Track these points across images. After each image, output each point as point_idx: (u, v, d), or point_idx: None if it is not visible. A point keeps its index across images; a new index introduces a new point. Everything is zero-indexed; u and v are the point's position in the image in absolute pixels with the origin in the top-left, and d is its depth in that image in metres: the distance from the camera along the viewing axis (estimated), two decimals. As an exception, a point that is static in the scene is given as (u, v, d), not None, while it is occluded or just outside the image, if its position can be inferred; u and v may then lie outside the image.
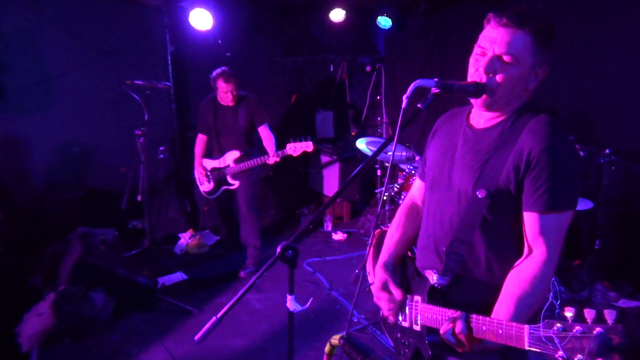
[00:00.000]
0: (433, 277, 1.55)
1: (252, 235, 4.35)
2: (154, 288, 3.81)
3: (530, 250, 1.39)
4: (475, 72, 1.42)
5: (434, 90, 1.38)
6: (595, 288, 3.57)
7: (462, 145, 1.55)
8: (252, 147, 4.26)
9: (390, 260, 1.73)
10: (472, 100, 1.48)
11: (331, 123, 6.23)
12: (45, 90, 4.42)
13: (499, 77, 1.39)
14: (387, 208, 4.56)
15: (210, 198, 4.44)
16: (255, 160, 4.04)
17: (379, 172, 5.06)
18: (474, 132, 1.53)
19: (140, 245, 4.18)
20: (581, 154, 3.40)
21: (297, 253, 1.37)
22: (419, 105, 1.39)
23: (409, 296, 1.65)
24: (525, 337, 1.12)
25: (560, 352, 1.02)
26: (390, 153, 1.55)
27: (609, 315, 1.01)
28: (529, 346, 1.11)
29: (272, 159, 4.00)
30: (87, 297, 3.37)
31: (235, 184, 4.19)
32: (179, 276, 4.15)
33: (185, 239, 4.87)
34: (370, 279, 1.81)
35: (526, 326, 1.13)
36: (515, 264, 1.42)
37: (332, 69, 6.10)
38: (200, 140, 4.34)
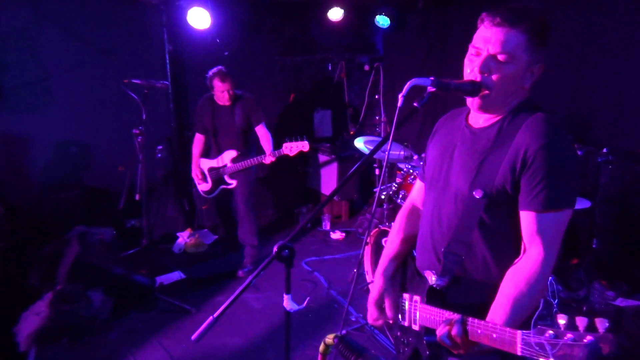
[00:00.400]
0: (432, 278, 1.55)
1: (250, 234, 4.35)
2: (152, 287, 3.81)
3: (528, 250, 1.37)
4: (471, 72, 1.42)
5: (430, 89, 1.37)
6: (592, 287, 3.59)
7: (460, 145, 1.54)
8: (249, 146, 4.26)
9: (390, 266, 1.74)
10: (468, 101, 1.48)
11: (329, 122, 6.22)
12: (43, 89, 4.41)
13: (494, 77, 1.38)
14: (385, 207, 4.57)
15: (208, 197, 4.45)
16: (252, 159, 4.04)
17: (377, 171, 5.07)
18: (472, 131, 1.53)
19: (138, 244, 4.17)
20: (579, 153, 3.40)
21: (293, 252, 1.37)
22: (415, 104, 1.39)
23: (409, 295, 1.65)
24: (518, 343, 1.12)
25: (551, 359, 1.03)
26: (387, 152, 1.54)
27: (601, 324, 1.03)
28: (522, 353, 1.11)
29: (268, 158, 3.99)
30: (85, 296, 3.37)
31: (233, 183, 4.20)
32: (177, 275, 4.15)
33: (184, 238, 4.87)
34: (368, 278, 1.81)
35: (519, 332, 1.13)
36: (513, 263, 1.41)
37: (330, 68, 6.09)
38: (198, 139, 4.35)
